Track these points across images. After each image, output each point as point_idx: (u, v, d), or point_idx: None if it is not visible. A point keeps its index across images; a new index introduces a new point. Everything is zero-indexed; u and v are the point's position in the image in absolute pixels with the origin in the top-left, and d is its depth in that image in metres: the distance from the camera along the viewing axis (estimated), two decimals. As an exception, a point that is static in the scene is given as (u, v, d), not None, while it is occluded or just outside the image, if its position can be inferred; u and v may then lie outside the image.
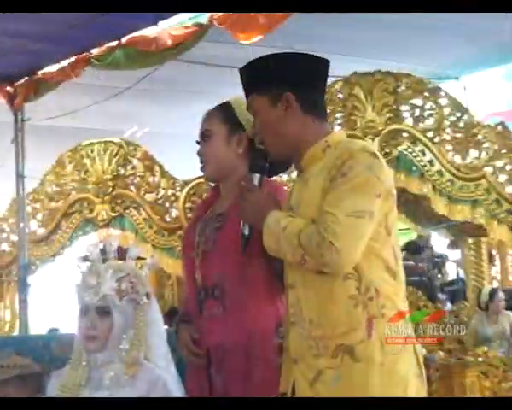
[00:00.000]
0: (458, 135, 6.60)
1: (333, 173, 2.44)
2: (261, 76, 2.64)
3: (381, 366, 2.42)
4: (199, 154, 3.08)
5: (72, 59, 6.35)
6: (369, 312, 2.44)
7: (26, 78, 6.86)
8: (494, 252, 10.26)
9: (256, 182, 2.65)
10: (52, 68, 6.63)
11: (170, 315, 9.23)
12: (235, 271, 2.90)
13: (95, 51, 6.26)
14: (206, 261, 3.00)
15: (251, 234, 2.67)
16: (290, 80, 2.59)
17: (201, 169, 3.10)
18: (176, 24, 5.98)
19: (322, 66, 2.68)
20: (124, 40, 6.06)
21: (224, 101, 3.12)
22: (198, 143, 3.10)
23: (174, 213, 7.58)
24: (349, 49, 7.71)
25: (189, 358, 3.01)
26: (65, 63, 6.44)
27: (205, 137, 3.06)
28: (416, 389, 2.49)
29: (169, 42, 5.89)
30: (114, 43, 6.13)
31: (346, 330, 2.44)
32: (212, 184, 3.26)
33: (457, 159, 6.66)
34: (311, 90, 2.64)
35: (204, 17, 5.70)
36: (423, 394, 2.54)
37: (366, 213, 2.40)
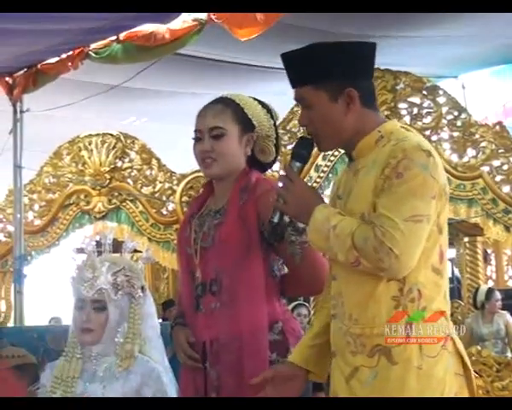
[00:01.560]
0: (456, 134, 6.62)
1: (387, 173, 2.36)
2: (317, 67, 2.49)
3: (418, 369, 2.36)
4: (206, 150, 3.02)
5: (71, 52, 6.35)
6: (408, 314, 2.39)
7: (26, 69, 6.86)
8: (489, 251, 10.30)
9: (296, 171, 2.57)
10: (51, 60, 6.62)
11: (165, 306, 9.28)
12: (233, 266, 2.92)
13: (93, 45, 6.25)
14: (204, 257, 3.01)
15: (280, 222, 2.61)
16: (348, 72, 2.48)
17: (206, 166, 3.04)
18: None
19: (372, 51, 2.57)
20: (122, 34, 6.05)
21: (225, 98, 3.09)
22: (198, 139, 3.07)
23: (171, 206, 7.59)
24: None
25: (185, 360, 3.02)
26: (63, 56, 6.44)
27: (215, 134, 3.01)
28: (455, 389, 2.41)
29: (167, 36, 5.88)
30: (113, 38, 6.11)
31: (384, 330, 2.38)
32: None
33: (454, 158, 6.68)
34: (367, 80, 2.57)
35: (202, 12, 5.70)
36: (465, 392, 2.46)
37: (424, 217, 2.34)
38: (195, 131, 3.06)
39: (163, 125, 9.74)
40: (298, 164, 2.58)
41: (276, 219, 2.59)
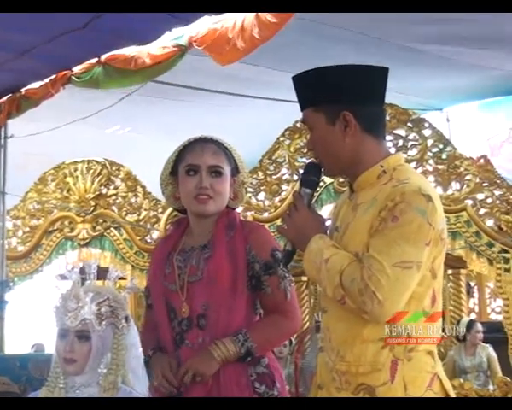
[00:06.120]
0: (440, 166, 6.65)
1: (383, 215, 2.33)
2: (317, 90, 2.48)
3: None
4: (204, 187, 3.02)
5: (53, 76, 6.36)
6: (394, 354, 2.36)
7: (10, 94, 6.86)
8: (472, 284, 10.32)
9: (305, 199, 2.55)
10: (35, 85, 6.64)
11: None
12: (222, 300, 2.95)
13: (75, 69, 6.27)
14: (191, 292, 3.01)
15: (294, 250, 2.58)
16: (349, 96, 2.45)
17: (202, 202, 3.04)
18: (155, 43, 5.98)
19: (381, 76, 2.54)
20: (103, 58, 6.07)
21: (212, 138, 3.11)
22: (192, 174, 3.04)
23: (155, 234, 7.58)
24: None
25: (162, 386, 2.98)
26: (46, 80, 6.45)
27: (215, 172, 3.05)
28: None
29: (148, 61, 5.89)
30: (94, 61, 6.14)
31: (369, 370, 2.36)
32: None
33: (439, 190, 6.70)
34: (371, 106, 2.50)
35: (183, 38, 5.73)
36: None
37: (414, 264, 2.29)
38: (189, 165, 3.06)
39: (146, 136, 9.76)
40: (308, 190, 2.58)
41: (288, 247, 2.58)
